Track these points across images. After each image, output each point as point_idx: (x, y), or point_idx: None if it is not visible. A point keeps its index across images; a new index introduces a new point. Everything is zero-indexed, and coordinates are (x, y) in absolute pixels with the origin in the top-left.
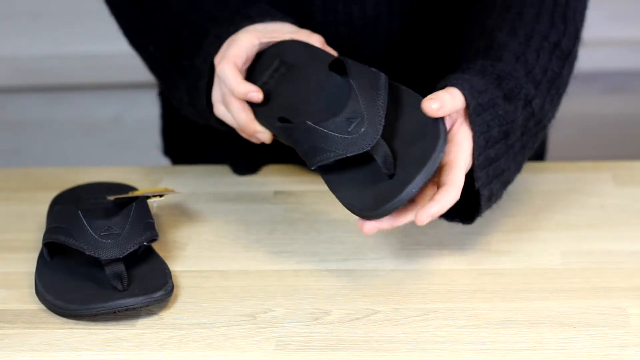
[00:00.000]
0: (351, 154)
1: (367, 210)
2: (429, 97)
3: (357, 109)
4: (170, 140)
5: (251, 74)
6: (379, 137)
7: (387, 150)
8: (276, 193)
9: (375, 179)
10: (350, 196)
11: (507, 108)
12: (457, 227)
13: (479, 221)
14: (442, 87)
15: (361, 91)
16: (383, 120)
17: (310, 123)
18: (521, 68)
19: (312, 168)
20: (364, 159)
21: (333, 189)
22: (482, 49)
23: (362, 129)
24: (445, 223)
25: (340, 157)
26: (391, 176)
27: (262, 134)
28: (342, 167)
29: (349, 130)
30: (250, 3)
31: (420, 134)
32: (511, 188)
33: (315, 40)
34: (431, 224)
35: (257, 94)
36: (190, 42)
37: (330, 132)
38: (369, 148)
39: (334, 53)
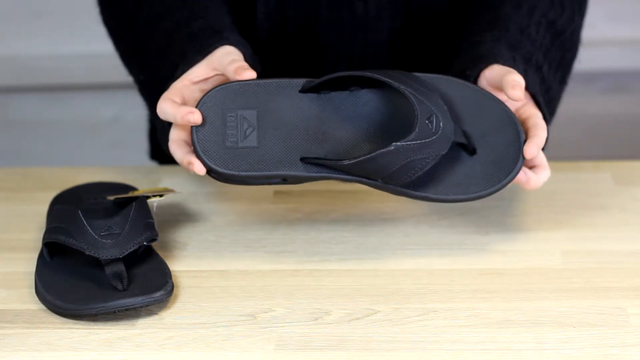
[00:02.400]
0: (446, 150)
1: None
2: (511, 85)
3: (425, 107)
4: (158, 144)
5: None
6: (453, 123)
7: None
8: (276, 193)
9: (463, 168)
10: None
11: (529, 70)
12: (457, 227)
13: (479, 221)
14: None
15: (408, 88)
16: (444, 104)
17: (400, 143)
18: (526, 39)
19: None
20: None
21: (439, 198)
22: (487, 22)
23: (441, 123)
24: (445, 223)
25: (438, 158)
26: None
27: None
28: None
29: (433, 130)
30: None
31: (488, 119)
32: (511, 188)
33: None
34: (431, 224)
35: (193, 115)
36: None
37: (423, 141)
38: (454, 138)
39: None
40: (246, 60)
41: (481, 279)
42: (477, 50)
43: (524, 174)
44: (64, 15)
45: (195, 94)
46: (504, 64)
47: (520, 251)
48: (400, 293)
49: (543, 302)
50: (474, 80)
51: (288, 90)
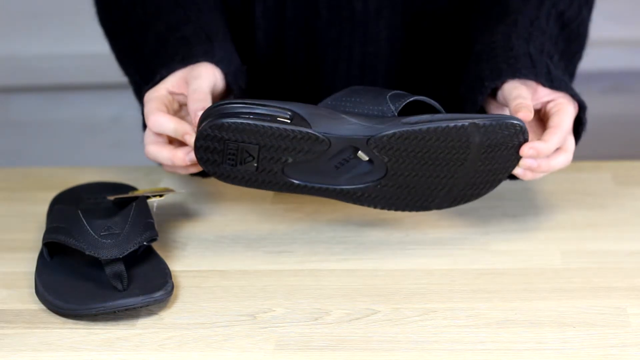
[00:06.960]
0: (428, 100)
1: None
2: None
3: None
4: None
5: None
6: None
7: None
8: (276, 193)
9: None
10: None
11: (550, 65)
12: (457, 227)
13: (479, 221)
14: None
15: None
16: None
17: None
18: (536, 31)
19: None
20: None
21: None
22: (496, 16)
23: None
24: (445, 223)
25: (419, 99)
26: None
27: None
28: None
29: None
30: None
31: None
32: (511, 188)
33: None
34: (431, 224)
35: (190, 137)
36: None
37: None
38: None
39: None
40: (227, 79)
41: (481, 279)
42: (495, 59)
43: (533, 160)
44: (64, 15)
45: (174, 105)
46: (523, 75)
47: (520, 251)
48: (400, 293)
49: (543, 302)
50: (492, 91)
51: None
